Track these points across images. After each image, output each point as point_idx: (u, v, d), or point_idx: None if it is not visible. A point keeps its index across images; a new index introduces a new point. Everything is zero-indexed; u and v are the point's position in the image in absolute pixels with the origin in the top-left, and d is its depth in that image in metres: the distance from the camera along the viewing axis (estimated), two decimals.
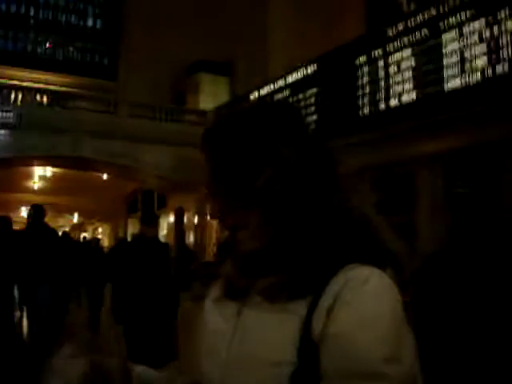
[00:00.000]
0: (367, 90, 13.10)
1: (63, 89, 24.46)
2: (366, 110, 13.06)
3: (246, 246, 1.11)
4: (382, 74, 12.77)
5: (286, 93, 16.17)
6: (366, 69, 13.25)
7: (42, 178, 26.08)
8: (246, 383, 1.02)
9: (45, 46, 29.83)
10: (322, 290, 0.99)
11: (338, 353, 0.93)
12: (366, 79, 13.18)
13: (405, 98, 12.06)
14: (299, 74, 15.79)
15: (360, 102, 13.19)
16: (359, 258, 1.02)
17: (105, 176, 25.14)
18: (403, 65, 12.17)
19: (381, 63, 12.80)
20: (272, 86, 16.92)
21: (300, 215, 1.06)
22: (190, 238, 21.86)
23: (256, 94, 17.76)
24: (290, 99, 15.86)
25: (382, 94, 12.66)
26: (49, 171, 25.05)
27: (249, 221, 1.09)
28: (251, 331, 1.05)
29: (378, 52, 12.89)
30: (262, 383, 0.99)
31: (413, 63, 11.93)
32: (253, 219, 1.08)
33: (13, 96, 20.03)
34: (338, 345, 0.94)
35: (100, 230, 33.89)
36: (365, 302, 0.96)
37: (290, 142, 1.09)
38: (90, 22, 30.85)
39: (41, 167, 24.36)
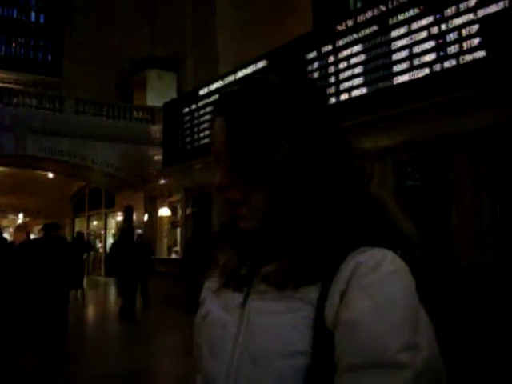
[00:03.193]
0: (319, 84, 13.21)
1: (6, 85, 23.85)
2: None
3: (248, 224, 1.03)
4: (332, 69, 12.88)
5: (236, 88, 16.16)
6: (316, 64, 13.34)
7: None
8: (257, 377, 0.96)
9: None
10: (333, 274, 0.94)
11: (353, 341, 0.88)
12: (316, 74, 13.26)
13: (354, 93, 12.20)
14: (249, 69, 15.77)
15: None
16: (371, 241, 0.96)
17: (51, 174, 24.66)
18: (352, 60, 12.31)
19: (331, 59, 12.90)
20: (221, 82, 16.85)
21: (311, 196, 0.99)
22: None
23: (205, 89, 17.66)
24: None
25: (333, 89, 12.77)
26: None
27: (255, 197, 1.01)
28: (258, 322, 0.99)
29: (327, 47, 12.99)
30: (275, 376, 0.93)
31: (362, 58, 12.08)
32: (259, 196, 1.00)
33: None
34: (353, 332, 0.88)
35: None
36: (379, 287, 0.91)
37: (311, 121, 1.03)
38: (33, 17, 30.15)
39: None
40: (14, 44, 29.51)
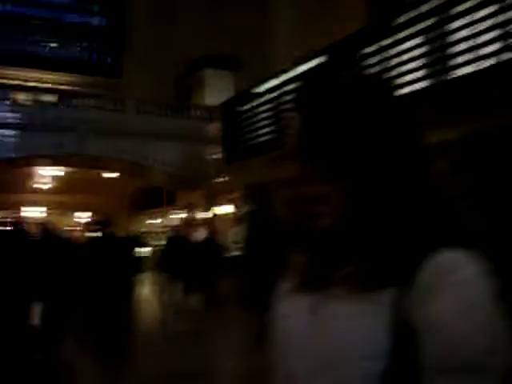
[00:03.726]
0: None
1: (69, 88, 24.48)
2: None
3: (323, 222, 1.02)
4: (390, 63, 12.71)
5: (293, 85, 16.10)
6: (374, 59, 13.19)
7: (50, 177, 26.17)
8: (333, 380, 0.96)
9: (49, 45, 29.87)
10: (411, 276, 0.92)
11: (439, 344, 0.88)
12: (374, 69, 13.12)
13: (415, 87, 12.00)
14: (306, 66, 15.70)
15: None
16: (450, 242, 0.94)
17: (112, 174, 25.20)
18: (411, 53, 12.11)
19: (390, 52, 12.73)
20: (279, 79, 16.84)
21: (389, 196, 0.98)
22: (201, 233, 21.86)
23: (262, 87, 17.69)
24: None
25: (393, 84, 12.60)
26: (55, 171, 25.14)
27: (332, 194, 1.00)
28: (335, 325, 0.98)
29: (386, 41, 12.82)
30: (351, 378, 0.93)
31: (421, 51, 11.86)
32: (336, 192, 1.00)
33: (19, 96, 20.06)
34: (438, 335, 0.88)
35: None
36: (459, 288, 0.90)
37: (387, 117, 1.03)
38: (94, 21, 30.86)
39: (47, 167, 24.45)
40: (76, 47, 30.28)
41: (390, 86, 1.13)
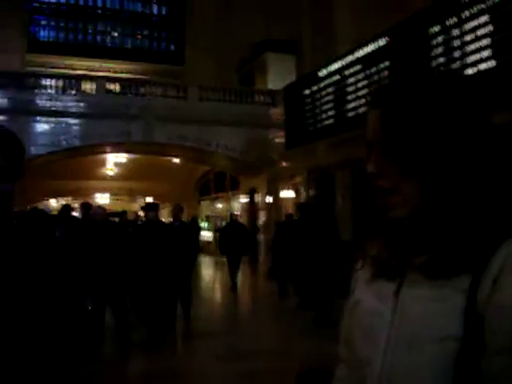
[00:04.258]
0: (441, 60, 12.77)
1: (133, 76, 24.94)
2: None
3: (398, 213, 1.08)
4: (457, 42, 12.41)
5: (357, 68, 15.94)
6: (439, 38, 12.91)
7: (117, 164, 26.82)
8: (411, 361, 1.01)
9: (113, 35, 30.48)
10: (485, 263, 0.98)
11: (503, 325, 0.93)
12: (440, 49, 12.84)
13: (482, 66, 11.69)
14: (369, 47, 15.49)
15: (435, 73, 12.85)
16: None
17: (177, 160, 25.61)
18: (479, 32, 11.79)
19: (455, 32, 12.43)
20: (341, 62, 16.69)
21: (462, 189, 1.03)
22: (262, 217, 22.01)
23: (325, 70, 17.57)
24: (362, 74, 15.64)
25: (458, 64, 12.31)
26: (122, 157, 25.72)
27: (406, 186, 1.06)
28: (413, 309, 1.04)
29: (452, 20, 12.51)
30: (428, 360, 0.99)
31: (489, 29, 11.53)
32: (411, 185, 1.05)
33: (85, 86, 20.57)
34: (503, 316, 0.93)
35: None
36: None
37: (464, 114, 1.07)
38: (155, 10, 31.28)
39: (114, 154, 25.04)
40: (138, 36, 30.76)
41: (467, 82, 1.15)
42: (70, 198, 28.73)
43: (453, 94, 1.08)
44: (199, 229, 18.31)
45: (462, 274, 0.99)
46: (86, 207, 10.04)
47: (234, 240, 14.65)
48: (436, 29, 12.90)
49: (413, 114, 1.05)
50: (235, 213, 18.95)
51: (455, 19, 12.37)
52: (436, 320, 0.99)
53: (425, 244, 1.06)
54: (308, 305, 10.36)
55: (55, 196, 29.10)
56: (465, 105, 1.07)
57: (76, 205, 10.80)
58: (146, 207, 9.32)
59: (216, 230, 25.84)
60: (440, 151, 1.04)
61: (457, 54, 12.35)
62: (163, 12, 31.36)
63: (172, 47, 30.92)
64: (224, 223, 20.05)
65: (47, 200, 28.62)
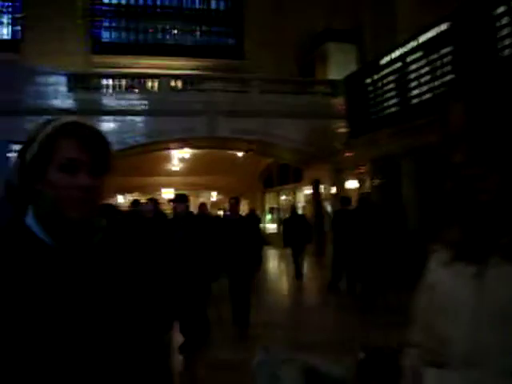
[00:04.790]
0: (508, 42, 12.42)
1: (195, 72, 25.24)
2: (508, 64, 12.40)
3: (487, 197, 1.13)
4: None
5: (419, 54, 15.68)
6: (504, 20, 12.55)
7: (181, 159, 27.24)
8: (502, 339, 1.07)
9: (173, 33, 30.88)
10: None
11: None
12: (505, 31, 12.50)
13: None
14: (430, 33, 15.21)
15: (500, 56, 12.53)
16: None
17: (240, 153, 25.81)
18: None
19: None
20: (403, 49, 16.46)
21: None
22: (328, 208, 21.95)
23: (387, 58, 17.36)
24: (424, 60, 15.39)
25: None
26: (186, 153, 26.10)
27: (493, 173, 1.12)
28: (496, 290, 1.09)
29: None
30: (509, 336, 1.05)
31: None
32: (495, 174, 1.11)
33: (148, 84, 20.99)
34: None
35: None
36: None
37: None
38: (213, 5, 31.49)
39: (179, 150, 25.44)
40: (198, 32, 31.06)
41: None
42: (136, 194, 29.36)
43: None
44: (259, 221, 18.46)
45: None
46: (155, 202, 10.33)
47: (297, 231, 15.23)
48: (501, 10, 12.56)
49: (497, 109, 1.11)
50: (298, 204, 19.07)
51: None
52: None
53: (505, 227, 1.11)
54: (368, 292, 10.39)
55: (123, 192, 29.79)
56: None
57: (143, 200, 10.98)
58: (176, 199, 8.12)
59: (280, 221, 25.96)
60: None
61: None
62: (221, 7, 31.55)
63: (231, 42, 31.10)
64: (287, 215, 20.22)
65: (115, 196, 29.33)
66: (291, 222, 16.03)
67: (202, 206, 11.51)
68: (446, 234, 1.27)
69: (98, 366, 1.31)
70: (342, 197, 14.67)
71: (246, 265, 8.73)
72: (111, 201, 26.73)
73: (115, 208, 8.41)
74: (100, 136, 1.45)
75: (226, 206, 30.29)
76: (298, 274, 15.32)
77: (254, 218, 18.24)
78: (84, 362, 1.29)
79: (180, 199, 7.90)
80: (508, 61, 12.20)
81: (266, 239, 20.32)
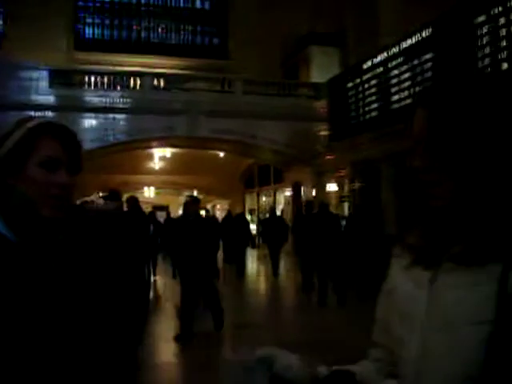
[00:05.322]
0: (487, 50, 12.58)
1: (177, 71, 25.19)
2: (487, 71, 12.56)
3: (440, 203, 1.16)
4: (503, 32, 12.21)
5: (401, 60, 15.83)
6: (485, 28, 12.70)
7: (162, 158, 27.17)
8: (447, 343, 1.10)
9: (157, 31, 30.77)
10: None
11: None
12: (485, 39, 12.64)
13: None
14: (413, 39, 15.36)
15: (480, 64, 12.69)
16: None
17: (221, 153, 25.81)
18: None
19: (501, 21, 12.23)
20: (385, 54, 16.59)
21: (496, 185, 1.12)
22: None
23: (369, 62, 17.49)
24: (405, 66, 15.53)
25: (505, 54, 12.10)
26: (168, 152, 26.05)
27: (448, 181, 1.14)
28: (449, 295, 1.12)
29: (497, 9, 12.30)
30: (462, 342, 1.07)
31: None
32: (451, 181, 1.14)
33: (131, 82, 20.91)
34: None
35: (218, 206, 34.78)
36: None
37: (505, 118, 1.15)
38: (197, 4, 31.43)
39: (160, 148, 25.38)
40: (182, 31, 30.98)
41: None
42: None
43: (497, 100, 1.17)
44: (248, 224, 18.61)
45: (495, 262, 1.07)
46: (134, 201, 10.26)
47: (274, 231, 15.73)
48: (482, 18, 12.71)
49: (458, 118, 1.14)
50: (278, 206, 19.25)
51: (500, 8, 12.19)
52: (470, 305, 1.08)
53: (460, 234, 1.14)
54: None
55: (103, 190, 29.64)
56: (507, 110, 1.15)
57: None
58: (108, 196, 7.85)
59: (259, 222, 26.04)
60: (480, 152, 1.12)
61: (503, 43, 12.17)
62: (206, 6, 31.49)
63: (215, 41, 31.07)
64: (267, 216, 20.48)
65: (95, 193, 29.15)
66: (269, 223, 16.64)
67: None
68: (406, 238, 1.30)
69: (57, 362, 1.32)
70: (307, 202, 15.81)
71: (200, 268, 8.32)
72: (90, 198, 26.56)
73: (87, 205, 8.36)
74: (75, 137, 1.48)
75: (207, 206, 30.38)
76: (274, 273, 15.69)
77: (244, 221, 18.40)
78: (43, 357, 1.30)
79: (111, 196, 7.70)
80: (485, 69, 12.36)
81: (253, 242, 20.60)
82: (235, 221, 18.06)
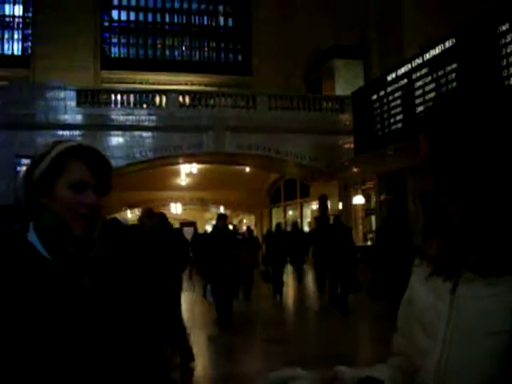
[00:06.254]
0: None
1: (203, 88, 25.44)
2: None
3: (454, 220, 1.18)
4: None
5: (425, 71, 15.80)
6: (509, 37, 12.65)
7: (188, 174, 27.32)
8: (467, 354, 1.12)
9: (181, 49, 31.13)
10: None
11: None
12: (510, 48, 12.59)
13: None
14: (437, 49, 15.33)
15: (505, 73, 12.63)
16: None
17: (248, 168, 25.90)
18: None
19: None
20: (409, 66, 16.57)
21: (506, 203, 1.14)
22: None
23: (393, 74, 17.48)
24: (429, 77, 15.50)
25: None
26: (194, 168, 26.20)
27: (458, 202, 1.16)
28: (469, 306, 1.14)
29: None
30: (482, 353, 1.09)
31: None
32: (462, 201, 1.16)
33: (157, 99, 21.15)
34: None
35: (245, 220, 34.82)
36: None
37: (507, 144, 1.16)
38: (221, 22, 31.78)
39: (186, 164, 25.55)
40: (206, 49, 31.32)
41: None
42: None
43: (500, 121, 1.17)
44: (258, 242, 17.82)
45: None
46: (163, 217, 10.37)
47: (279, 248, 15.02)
48: (505, 27, 12.66)
49: (459, 145, 1.16)
50: (304, 220, 19.08)
51: None
52: (489, 316, 1.10)
53: (478, 246, 1.16)
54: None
55: (131, 207, 29.90)
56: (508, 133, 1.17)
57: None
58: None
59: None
60: (484, 174, 1.14)
61: None
62: (229, 24, 31.83)
63: (239, 58, 31.32)
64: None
65: (123, 211, 29.42)
66: (273, 239, 15.28)
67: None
68: (427, 249, 1.32)
69: (95, 375, 1.38)
70: (318, 217, 16.45)
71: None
72: (119, 215, 26.83)
73: (118, 222, 8.50)
74: (105, 160, 1.55)
75: (234, 221, 30.40)
76: (275, 290, 14.43)
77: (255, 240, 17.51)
78: (81, 372, 1.36)
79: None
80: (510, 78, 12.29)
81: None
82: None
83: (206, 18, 31.70)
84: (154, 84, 26.35)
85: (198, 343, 8.87)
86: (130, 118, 20.15)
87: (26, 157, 16.90)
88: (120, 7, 30.75)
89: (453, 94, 1.29)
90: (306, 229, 24.18)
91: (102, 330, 1.43)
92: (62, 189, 1.46)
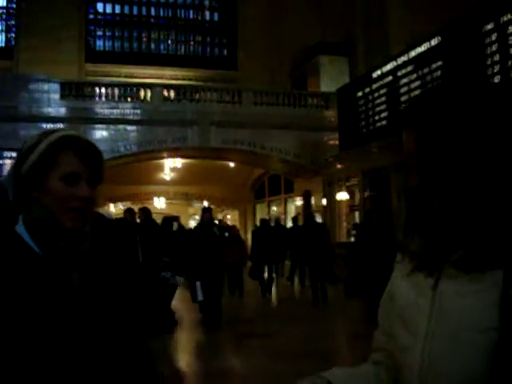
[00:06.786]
0: (496, 58, 12.59)
1: (188, 82, 25.32)
2: (497, 80, 12.58)
3: (439, 215, 1.17)
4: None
5: (410, 68, 15.85)
6: (493, 36, 12.71)
7: (172, 169, 27.21)
8: (451, 352, 1.10)
9: (167, 43, 30.95)
10: None
11: None
12: (494, 47, 12.65)
13: None
14: (422, 47, 15.38)
15: (490, 71, 12.70)
16: None
17: (232, 164, 25.86)
18: None
19: (510, 29, 12.23)
20: (394, 63, 16.61)
21: (491, 199, 1.12)
22: (318, 220, 21.99)
23: (378, 71, 17.52)
24: (415, 74, 15.55)
25: None
26: (178, 162, 26.11)
27: (444, 196, 1.15)
28: (452, 302, 1.13)
29: (506, 17, 12.31)
30: (466, 350, 1.07)
31: None
32: (447, 196, 1.14)
33: (142, 93, 21.03)
34: None
35: (229, 216, 34.75)
36: None
37: (496, 138, 1.14)
38: (207, 16, 31.61)
39: (171, 159, 25.46)
40: (192, 43, 31.14)
41: (501, 97, 1.20)
42: (128, 203, 29.31)
43: (485, 116, 1.15)
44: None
45: (496, 269, 1.08)
46: (146, 212, 10.34)
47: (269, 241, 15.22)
48: (490, 26, 12.73)
49: (446, 140, 1.14)
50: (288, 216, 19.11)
51: (509, 16, 12.21)
52: (473, 313, 1.08)
53: (461, 241, 1.15)
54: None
55: (114, 201, 29.72)
56: (496, 131, 1.15)
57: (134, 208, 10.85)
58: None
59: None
60: (470, 169, 1.13)
61: None
62: (215, 18, 31.67)
63: (225, 52, 31.20)
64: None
65: (107, 205, 29.24)
66: (260, 234, 15.35)
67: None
68: (408, 244, 1.30)
69: (85, 370, 1.36)
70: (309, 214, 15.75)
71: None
72: (102, 210, 26.67)
73: (102, 217, 8.45)
74: (97, 150, 1.51)
75: (219, 216, 30.38)
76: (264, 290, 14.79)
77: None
78: (71, 367, 1.34)
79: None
80: (494, 77, 12.37)
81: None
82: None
83: (191, 11, 31.48)
84: (139, 78, 26.18)
85: (183, 339, 8.91)
86: (115, 111, 20.01)
87: (9, 149, 16.78)
88: (105, 0, 30.48)
89: (439, 88, 1.27)
90: (290, 224, 24.15)
91: (92, 325, 1.40)
92: (54, 181, 1.42)
